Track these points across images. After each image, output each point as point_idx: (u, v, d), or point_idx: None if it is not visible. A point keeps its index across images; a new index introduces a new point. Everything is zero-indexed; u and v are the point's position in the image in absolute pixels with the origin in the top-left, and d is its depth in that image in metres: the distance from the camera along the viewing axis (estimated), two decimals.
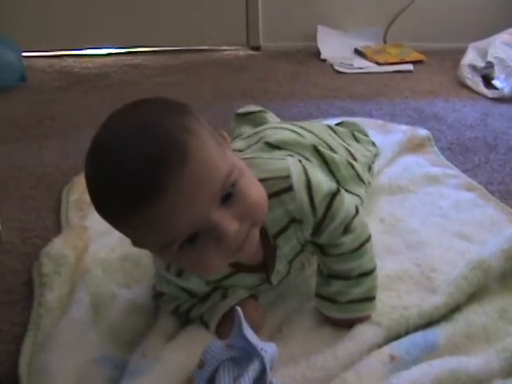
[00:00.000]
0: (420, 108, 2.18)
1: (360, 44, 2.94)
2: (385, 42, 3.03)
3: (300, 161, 1.03)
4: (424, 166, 1.59)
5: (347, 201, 1.00)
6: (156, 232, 0.81)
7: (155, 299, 1.10)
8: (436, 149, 1.74)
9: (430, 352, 0.96)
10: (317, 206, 0.96)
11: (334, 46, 2.90)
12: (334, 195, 0.98)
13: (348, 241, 0.99)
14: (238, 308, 0.82)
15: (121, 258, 1.25)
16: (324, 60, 2.84)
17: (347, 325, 1.02)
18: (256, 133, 1.28)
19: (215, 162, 0.80)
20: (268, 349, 0.80)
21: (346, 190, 1.09)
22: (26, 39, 2.73)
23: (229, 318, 0.99)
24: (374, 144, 1.49)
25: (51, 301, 1.14)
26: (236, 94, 2.42)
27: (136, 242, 0.89)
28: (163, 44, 3.08)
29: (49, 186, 1.67)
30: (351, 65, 2.73)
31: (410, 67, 2.69)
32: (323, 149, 1.22)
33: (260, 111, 1.56)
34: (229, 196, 0.83)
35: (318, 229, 0.98)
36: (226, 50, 3.11)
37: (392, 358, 0.94)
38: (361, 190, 1.28)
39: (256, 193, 0.88)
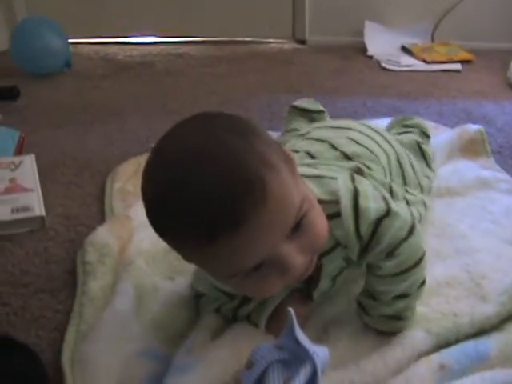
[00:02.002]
0: (468, 109, 2.13)
1: (407, 41, 2.90)
2: (432, 39, 2.98)
3: (353, 179, 0.98)
4: (474, 169, 1.55)
5: (398, 224, 0.92)
6: (226, 264, 0.80)
7: (195, 299, 1.09)
8: (488, 145, 1.68)
9: (481, 363, 0.93)
10: (362, 235, 0.92)
11: (381, 43, 2.86)
12: (380, 219, 0.92)
13: (390, 266, 0.93)
14: (291, 309, 0.80)
15: (164, 251, 1.23)
16: (371, 56, 2.80)
17: (377, 333, 1.00)
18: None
19: (291, 197, 0.79)
20: (320, 353, 0.78)
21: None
22: (73, 26, 2.73)
23: (277, 316, 0.99)
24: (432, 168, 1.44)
25: (94, 290, 1.14)
26: (281, 87, 2.40)
27: (200, 267, 0.89)
28: (208, 34, 3.07)
29: (93, 173, 1.67)
30: (398, 62, 2.69)
31: (458, 67, 2.64)
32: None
33: (319, 111, 1.53)
34: (297, 226, 0.81)
35: (363, 251, 0.94)
36: (271, 42, 3.08)
37: (442, 366, 0.91)
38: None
39: (321, 225, 0.86)
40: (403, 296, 0.97)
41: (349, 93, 2.32)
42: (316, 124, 1.36)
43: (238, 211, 0.73)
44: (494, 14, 2.92)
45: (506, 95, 2.31)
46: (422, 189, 1.30)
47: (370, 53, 2.82)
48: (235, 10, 3.02)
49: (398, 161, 1.23)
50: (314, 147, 1.16)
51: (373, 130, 1.27)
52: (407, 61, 2.71)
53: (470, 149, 1.65)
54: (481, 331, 1.00)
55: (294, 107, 1.56)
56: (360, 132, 1.23)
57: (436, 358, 0.93)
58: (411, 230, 0.93)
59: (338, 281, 1.04)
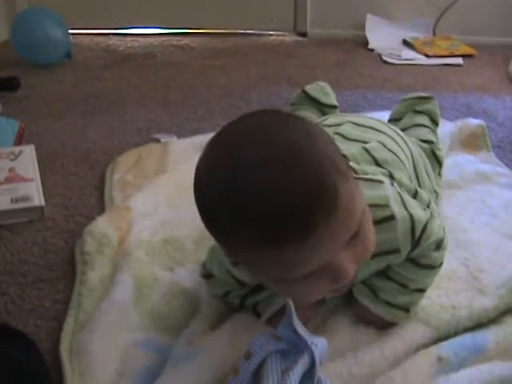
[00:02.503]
0: (469, 103, 2.13)
1: (409, 35, 2.89)
2: (434, 34, 2.97)
3: (393, 184, 0.98)
4: (474, 163, 1.55)
5: (438, 223, 0.98)
6: (282, 269, 0.78)
7: (204, 278, 1.06)
8: (488, 139, 1.69)
9: (479, 355, 0.94)
10: (416, 237, 0.94)
11: (383, 36, 2.86)
12: (428, 221, 0.95)
13: (437, 256, 1.00)
14: (290, 301, 0.80)
15: (163, 241, 1.24)
16: (372, 50, 2.79)
17: (378, 326, 1.00)
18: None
19: (357, 206, 0.78)
20: (318, 343, 0.78)
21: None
22: (73, 16, 2.72)
23: (282, 312, 0.97)
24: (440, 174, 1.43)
25: (93, 280, 1.14)
26: (282, 80, 2.39)
27: (248, 266, 0.86)
28: (210, 26, 3.06)
29: (92, 163, 1.67)
30: (399, 56, 2.68)
31: (459, 61, 2.64)
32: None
33: (331, 106, 1.52)
34: (354, 235, 0.80)
35: (412, 250, 0.95)
36: (272, 35, 3.07)
37: (440, 359, 0.92)
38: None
39: (373, 234, 0.86)
40: (422, 290, 1.01)
41: (349, 86, 2.32)
42: (347, 117, 1.30)
43: (309, 220, 0.72)
44: (496, 8, 2.91)
45: (507, 90, 2.30)
46: (437, 195, 1.31)
47: (371, 46, 2.81)
48: (237, 2, 3.01)
49: (415, 168, 1.22)
50: (346, 146, 1.11)
51: (398, 134, 1.25)
52: (408, 54, 2.71)
53: (470, 143, 1.66)
54: (479, 324, 1.01)
55: (305, 93, 1.53)
56: (388, 136, 1.20)
57: (434, 350, 0.94)
58: (444, 229, 1.01)
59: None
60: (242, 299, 1.03)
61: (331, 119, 1.30)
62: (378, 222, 0.89)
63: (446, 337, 0.98)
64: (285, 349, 0.79)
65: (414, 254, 0.97)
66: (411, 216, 0.93)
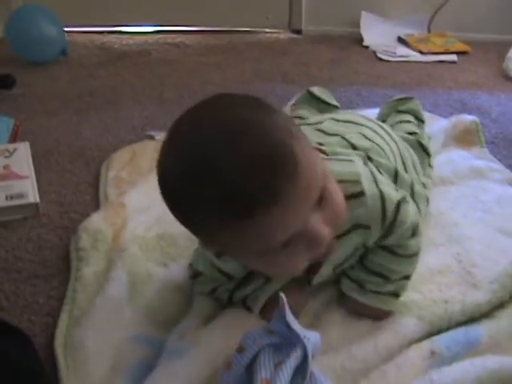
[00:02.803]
0: (463, 100, 2.13)
1: (404, 32, 2.89)
2: (429, 31, 2.97)
3: (366, 164, 1.01)
4: (468, 159, 1.55)
5: (412, 208, 0.99)
6: (260, 240, 0.79)
7: (192, 279, 1.08)
8: (482, 135, 1.70)
9: (471, 349, 0.95)
10: (388, 215, 0.95)
11: (378, 33, 2.86)
12: (401, 202, 0.96)
13: (413, 244, 0.99)
14: (282, 294, 0.81)
15: (158, 237, 1.24)
16: (366, 47, 2.79)
17: (371, 316, 1.01)
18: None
19: (316, 166, 0.80)
20: (311, 337, 0.78)
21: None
22: (68, 14, 2.71)
23: (272, 302, 0.98)
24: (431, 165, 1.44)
25: (88, 276, 1.14)
26: (277, 77, 2.39)
27: (226, 249, 0.88)
28: (205, 24, 3.05)
29: (87, 160, 1.67)
30: (394, 53, 2.68)
31: (454, 58, 2.64)
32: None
33: (333, 106, 1.54)
34: (319, 199, 0.82)
35: (385, 233, 0.97)
36: (267, 32, 3.07)
37: (432, 353, 0.92)
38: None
39: (340, 197, 0.87)
40: (408, 277, 1.03)
41: (344, 83, 2.32)
42: (327, 115, 1.35)
43: (275, 185, 0.74)
44: (491, 5, 2.91)
45: (502, 86, 2.31)
46: (424, 186, 1.31)
47: (366, 43, 2.81)
48: (232, 0, 3.01)
49: (402, 160, 1.24)
50: (326, 140, 1.14)
51: (381, 127, 1.28)
52: (403, 51, 2.71)
53: (464, 139, 1.66)
54: (472, 319, 1.02)
55: (310, 93, 1.54)
56: (369, 128, 1.23)
57: (427, 344, 0.94)
58: (419, 214, 1.01)
59: (338, 271, 1.05)
60: (229, 294, 1.04)
61: (314, 118, 1.34)
62: (348, 198, 0.91)
63: (439, 331, 0.99)
64: (277, 343, 0.80)
65: (391, 243, 0.99)
66: (381, 193, 0.95)
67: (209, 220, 0.78)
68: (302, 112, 1.49)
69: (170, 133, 0.82)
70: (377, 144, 1.17)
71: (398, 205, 0.95)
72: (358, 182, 0.95)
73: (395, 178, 1.13)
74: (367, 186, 0.95)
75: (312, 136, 1.15)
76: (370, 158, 1.09)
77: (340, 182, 0.90)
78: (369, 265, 1.02)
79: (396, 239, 0.98)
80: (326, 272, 1.02)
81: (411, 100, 1.54)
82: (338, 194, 0.86)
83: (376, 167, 1.06)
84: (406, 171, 1.22)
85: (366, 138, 1.18)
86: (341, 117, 1.30)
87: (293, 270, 0.90)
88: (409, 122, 1.47)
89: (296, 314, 0.84)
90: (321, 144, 1.09)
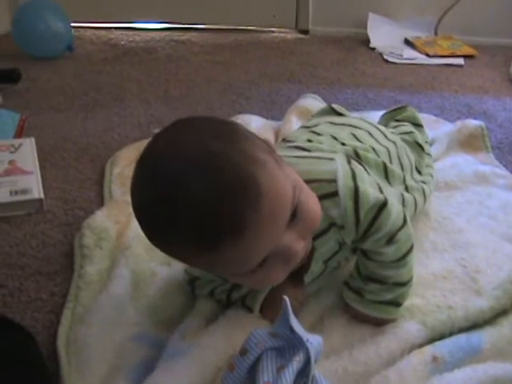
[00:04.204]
0: (469, 104, 2.13)
1: (410, 34, 2.89)
2: (436, 33, 2.97)
3: (349, 162, 1.00)
4: (473, 164, 1.55)
5: (395, 212, 0.96)
6: (232, 267, 0.83)
7: (190, 284, 1.09)
8: (488, 140, 1.68)
9: (474, 356, 0.94)
10: (361, 218, 0.93)
11: (384, 35, 2.85)
12: (381, 207, 0.94)
13: (390, 251, 0.97)
14: (286, 297, 0.81)
15: None
16: (373, 48, 2.79)
17: (374, 323, 1.01)
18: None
19: (283, 188, 0.81)
20: (314, 341, 0.78)
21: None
22: (76, 10, 2.72)
23: (271, 300, 1.00)
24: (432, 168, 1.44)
25: (91, 273, 1.14)
26: (283, 77, 2.39)
27: (206, 270, 0.93)
28: (212, 22, 3.06)
29: (92, 157, 1.67)
30: (401, 55, 2.69)
31: (460, 61, 2.64)
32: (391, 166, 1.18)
33: None
34: (293, 214, 0.83)
35: (361, 238, 0.96)
36: (274, 31, 3.07)
37: (434, 358, 0.92)
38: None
39: (314, 206, 0.89)
40: (404, 284, 1.00)
41: (350, 84, 2.32)
42: (326, 119, 1.35)
43: (237, 214, 0.75)
44: (498, 9, 2.91)
45: (508, 91, 2.30)
46: (424, 182, 1.31)
47: (372, 45, 2.81)
48: None
49: (400, 161, 1.24)
50: (316, 138, 1.16)
51: (378, 130, 1.28)
52: (410, 54, 2.71)
53: (469, 144, 1.65)
54: (475, 325, 1.01)
55: (331, 108, 1.53)
56: (364, 130, 1.24)
57: (429, 349, 0.94)
58: (405, 218, 0.97)
59: (330, 265, 1.05)
60: (227, 294, 1.04)
61: (312, 122, 1.34)
62: (322, 197, 0.92)
63: (441, 337, 0.98)
64: (280, 346, 0.80)
65: (367, 248, 0.98)
66: (356, 189, 0.94)
67: (182, 254, 0.84)
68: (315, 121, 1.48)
69: (140, 162, 0.83)
70: (367, 144, 1.17)
71: (377, 210, 0.94)
72: (334, 181, 0.94)
73: (385, 171, 1.14)
74: (343, 184, 0.94)
75: (303, 136, 1.18)
76: (357, 154, 1.10)
77: (316, 181, 0.93)
78: (361, 270, 1.02)
79: (370, 245, 0.97)
80: (316, 269, 1.03)
81: (406, 108, 1.55)
82: (311, 203, 0.88)
83: (364, 163, 1.07)
84: (403, 170, 1.23)
85: (357, 138, 1.19)
86: (338, 120, 1.31)
87: (273, 283, 0.93)
88: (405, 125, 1.47)
89: (296, 310, 0.87)
90: (309, 140, 1.13)
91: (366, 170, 1.04)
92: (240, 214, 0.75)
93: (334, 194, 0.94)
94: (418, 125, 1.49)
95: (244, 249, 0.78)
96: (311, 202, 0.88)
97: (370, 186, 0.97)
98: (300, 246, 0.85)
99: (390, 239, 0.95)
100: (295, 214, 0.83)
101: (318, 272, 1.04)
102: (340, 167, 0.97)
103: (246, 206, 0.75)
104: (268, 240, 0.80)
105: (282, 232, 0.81)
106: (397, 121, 1.51)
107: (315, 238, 0.96)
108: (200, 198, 0.75)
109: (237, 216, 0.75)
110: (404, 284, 1.00)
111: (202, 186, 0.75)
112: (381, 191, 0.98)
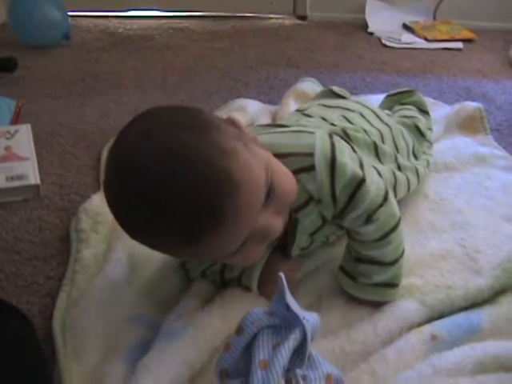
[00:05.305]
0: (468, 87, 2.12)
1: (409, 19, 2.87)
2: (434, 18, 2.95)
3: (331, 136, 0.98)
4: (472, 146, 1.54)
5: (373, 189, 0.93)
6: (215, 252, 0.85)
7: (182, 267, 1.08)
8: (486, 122, 1.68)
9: (473, 334, 0.94)
10: (337, 192, 0.92)
11: (383, 20, 2.84)
12: (359, 184, 0.92)
13: (370, 230, 0.95)
14: (282, 274, 0.80)
15: None
16: (371, 33, 2.77)
17: (372, 305, 1.00)
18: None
19: (256, 173, 0.82)
20: (310, 318, 0.78)
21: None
22: None
23: (266, 276, 1.00)
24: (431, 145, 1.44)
25: (87, 257, 1.14)
26: (281, 63, 2.38)
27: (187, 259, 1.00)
28: (210, 9, 3.04)
29: (89, 144, 1.66)
30: (399, 39, 2.67)
31: (459, 45, 2.62)
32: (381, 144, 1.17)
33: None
34: (267, 194, 0.84)
35: (339, 214, 0.95)
36: (272, 18, 3.05)
37: (433, 337, 0.91)
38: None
39: (288, 183, 0.89)
40: (392, 263, 0.98)
41: (348, 69, 2.31)
42: (318, 101, 1.35)
43: (216, 209, 0.76)
44: None
45: (507, 74, 2.29)
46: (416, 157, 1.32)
47: (370, 30, 2.79)
48: None
49: (395, 144, 1.24)
50: (305, 119, 1.17)
51: (373, 113, 1.27)
52: (408, 38, 2.69)
53: (467, 125, 1.65)
54: (474, 304, 1.01)
55: (331, 91, 1.52)
56: (357, 112, 1.23)
57: (428, 328, 0.93)
58: (386, 197, 0.95)
59: (317, 238, 1.05)
60: (220, 274, 1.04)
61: (306, 105, 1.34)
62: (300, 171, 0.93)
63: (440, 316, 0.98)
64: (277, 324, 0.79)
65: (347, 227, 0.98)
66: (334, 159, 0.92)
67: (165, 249, 0.87)
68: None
69: (109, 161, 0.84)
70: (358, 125, 1.17)
71: (355, 187, 0.92)
72: (311, 154, 0.93)
73: (375, 150, 1.13)
74: (320, 156, 0.92)
75: (294, 118, 1.21)
76: (346, 134, 1.09)
77: (294, 154, 0.94)
78: (351, 251, 1.02)
79: (349, 223, 0.96)
80: (302, 242, 1.03)
81: (414, 93, 1.54)
82: (284, 180, 0.88)
83: (353, 143, 1.06)
84: (399, 153, 1.22)
85: (348, 120, 1.18)
86: (331, 103, 1.30)
87: (255, 259, 0.93)
88: (409, 109, 1.46)
89: (292, 282, 0.91)
90: (297, 121, 1.15)
91: (352, 148, 1.01)
92: (218, 204, 0.76)
93: (311, 167, 0.93)
94: (424, 111, 1.48)
95: (224, 237, 0.80)
96: (284, 178, 0.89)
97: (351, 160, 0.95)
98: (276, 222, 0.87)
99: (369, 217, 0.94)
100: (269, 194, 0.84)
101: (304, 245, 1.04)
102: (318, 140, 0.95)
103: (222, 197, 0.76)
104: (247, 225, 0.82)
105: (258, 214, 0.83)
106: (402, 104, 1.50)
107: (296, 211, 0.96)
108: (176, 193, 0.76)
109: (215, 207, 0.76)
110: (391, 264, 0.98)
111: (177, 185, 0.76)
112: (361, 168, 0.95)
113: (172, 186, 0.76)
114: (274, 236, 0.89)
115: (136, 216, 0.80)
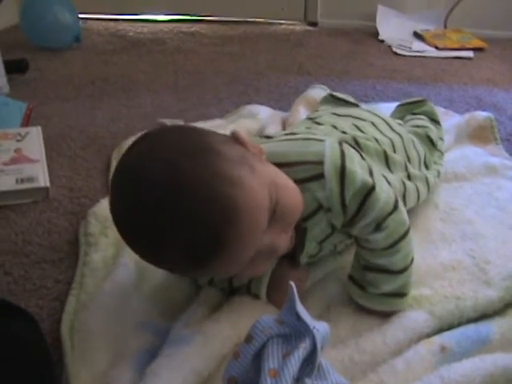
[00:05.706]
0: (479, 96, 2.11)
1: (420, 27, 2.87)
2: (445, 26, 2.95)
3: (341, 144, 0.97)
4: (482, 156, 1.53)
5: (383, 197, 0.93)
6: (220, 274, 0.90)
7: None
8: (497, 132, 1.67)
9: (482, 346, 0.93)
10: (347, 200, 0.92)
11: (393, 28, 2.84)
12: (368, 192, 0.92)
13: (379, 238, 0.95)
14: (292, 284, 0.80)
15: None
16: (382, 41, 2.78)
17: (381, 315, 0.99)
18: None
19: (261, 198, 0.82)
20: (320, 328, 0.77)
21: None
22: (83, 1, 2.72)
23: (276, 283, 1.00)
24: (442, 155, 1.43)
25: (96, 261, 1.14)
26: (291, 69, 2.38)
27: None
28: (221, 14, 3.05)
29: (99, 147, 1.66)
30: (410, 47, 2.67)
31: (470, 54, 2.62)
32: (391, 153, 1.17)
33: (356, 105, 1.52)
34: (272, 214, 0.85)
35: (349, 222, 0.95)
36: (282, 24, 3.06)
37: (442, 348, 0.91)
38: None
39: (293, 201, 0.90)
40: (400, 271, 0.98)
41: (359, 76, 2.31)
42: (330, 110, 1.35)
43: (218, 236, 0.77)
44: (508, 2, 2.88)
45: None
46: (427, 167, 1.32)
47: (381, 37, 2.80)
48: None
49: (406, 153, 1.23)
50: (315, 127, 1.17)
51: (385, 122, 1.27)
52: (419, 46, 2.69)
53: (478, 135, 1.64)
54: (483, 315, 1.00)
55: (332, 96, 1.53)
56: (368, 121, 1.23)
57: (437, 339, 0.93)
58: (396, 205, 0.95)
59: (325, 246, 1.05)
60: (228, 282, 1.04)
61: (317, 113, 1.34)
62: (309, 180, 0.93)
63: (450, 327, 0.97)
64: (287, 333, 0.78)
65: (356, 235, 0.98)
66: (343, 167, 0.92)
67: (170, 269, 0.90)
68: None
69: (112, 184, 0.86)
70: (369, 134, 1.17)
71: (365, 194, 0.92)
72: (321, 162, 0.93)
73: (386, 159, 1.13)
74: (329, 165, 0.92)
75: (304, 125, 1.22)
76: (357, 142, 1.09)
77: (303, 163, 0.93)
78: (359, 259, 1.02)
79: (358, 231, 0.96)
80: (310, 250, 1.03)
81: (425, 102, 1.53)
82: (288, 197, 0.88)
83: (363, 151, 1.06)
84: (410, 163, 1.22)
85: (359, 129, 1.18)
86: (342, 111, 1.30)
87: (261, 273, 0.96)
88: (421, 119, 1.46)
89: (301, 291, 0.91)
90: (308, 129, 1.16)
91: (361, 155, 1.02)
92: (222, 230, 0.77)
93: (321, 176, 0.92)
94: (435, 121, 1.48)
95: (229, 259, 0.81)
96: (288, 196, 0.88)
97: (361, 168, 0.95)
98: (283, 240, 0.89)
99: (378, 226, 0.93)
100: (274, 213, 0.85)
101: (312, 252, 1.04)
102: (328, 148, 0.95)
103: (224, 224, 0.77)
104: (251, 247, 0.83)
105: (262, 234, 0.83)
106: (414, 114, 1.50)
107: (305, 219, 0.96)
108: (179, 224, 0.77)
109: (217, 235, 0.77)
110: (399, 272, 0.98)
111: (179, 211, 0.77)
112: (371, 176, 0.95)
113: (176, 214, 0.77)
114: (281, 252, 0.91)
115: (140, 242, 0.83)
